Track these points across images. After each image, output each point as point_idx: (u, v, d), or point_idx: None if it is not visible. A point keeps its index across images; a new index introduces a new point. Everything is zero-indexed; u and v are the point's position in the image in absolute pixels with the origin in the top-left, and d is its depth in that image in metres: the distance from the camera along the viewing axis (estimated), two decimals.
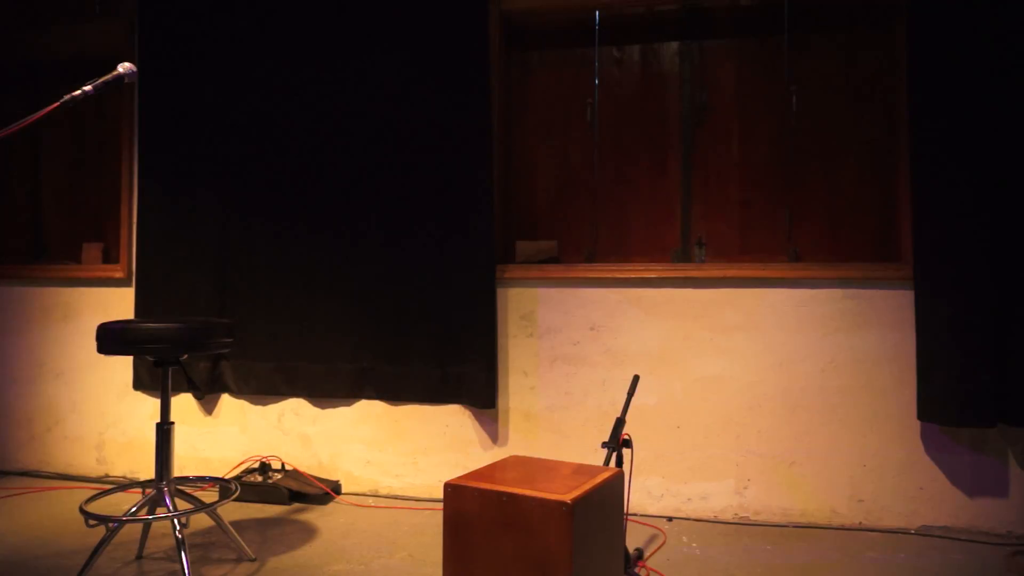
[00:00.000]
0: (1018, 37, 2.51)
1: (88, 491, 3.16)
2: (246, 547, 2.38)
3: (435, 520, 2.75)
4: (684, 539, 2.57)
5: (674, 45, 3.04)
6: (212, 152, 3.20)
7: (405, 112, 3.02)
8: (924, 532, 2.62)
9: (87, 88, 1.81)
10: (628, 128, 3.08)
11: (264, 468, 3.06)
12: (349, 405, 3.13)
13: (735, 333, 2.81)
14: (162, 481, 2.21)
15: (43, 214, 3.68)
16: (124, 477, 3.35)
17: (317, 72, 3.11)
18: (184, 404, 3.29)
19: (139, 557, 2.36)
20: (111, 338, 2.12)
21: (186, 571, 2.08)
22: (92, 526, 2.08)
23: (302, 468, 3.13)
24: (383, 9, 3.04)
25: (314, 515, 2.81)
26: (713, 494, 2.81)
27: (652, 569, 2.27)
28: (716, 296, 2.83)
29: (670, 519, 2.80)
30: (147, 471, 3.32)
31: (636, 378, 2.23)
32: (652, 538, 2.58)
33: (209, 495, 3.04)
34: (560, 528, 1.62)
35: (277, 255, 3.14)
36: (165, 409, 2.26)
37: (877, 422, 2.70)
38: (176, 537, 2.11)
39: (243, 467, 3.17)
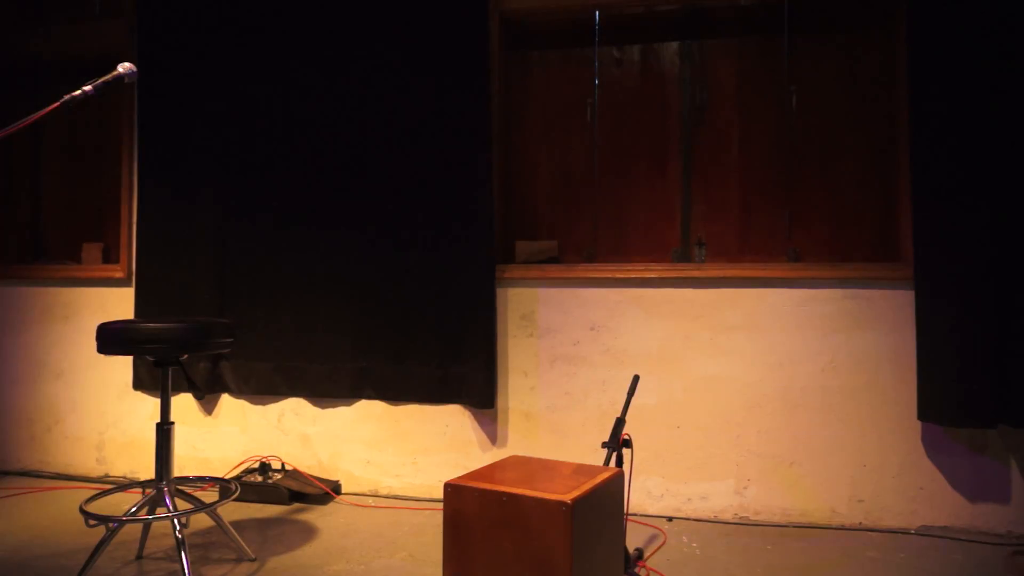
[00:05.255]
0: (1018, 37, 2.51)
1: (88, 491, 3.16)
2: (246, 547, 2.38)
3: (435, 520, 2.75)
4: (684, 539, 2.57)
5: (674, 45, 3.04)
6: (212, 152, 3.20)
7: (405, 112, 3.02)
8: (924, 532, 2.62)
9: (87, 88, 1.82)
10: (628, 128, 3.08)
11: (264, 468, 3.06)
12: (349, 405, 3.13)
13: (735, 333, 2.81)
14: (162, 481, 2.21)
15: (43, 214, 3.68)
16: (124, 477, 3.35)
17: (317, 72, 3.11)
18: (184, 404, 3.29)
19: (139, 557, 2.36)
20: (111, 338, 2.12)
21: (186, 571, 2.08)
22: (92, 526, 2.08)
23: (302, 468, 3.13)
24: (383, 9, 3.04)
25: (314, 515, 2.81)
26: (713, 494, 2.81)
27: (652, 569, 2.27)
28: (716, 296, 2.83)
29: (670, 519, 2.80)
30: (147, 471, 3.32)
31: (636, 378, 2.23)
32: (652, 538, 2.58)
33: (209, 495, 3.04)
34: (560, 528, 1.62)
35: (277, 255, 3.14)
36: (165, 409, 2.26)
37: (877, 422, 2.70)
38: (176, 537, 2.11)
39: (243, 467, 3.17)
